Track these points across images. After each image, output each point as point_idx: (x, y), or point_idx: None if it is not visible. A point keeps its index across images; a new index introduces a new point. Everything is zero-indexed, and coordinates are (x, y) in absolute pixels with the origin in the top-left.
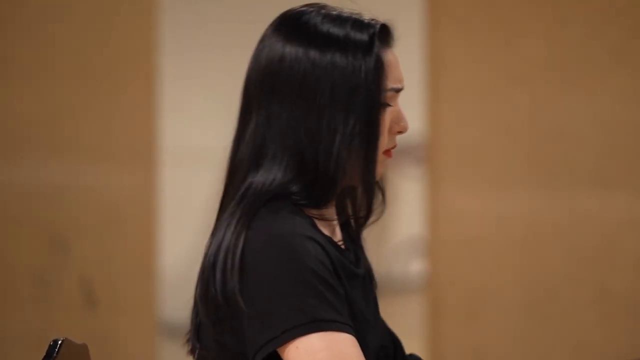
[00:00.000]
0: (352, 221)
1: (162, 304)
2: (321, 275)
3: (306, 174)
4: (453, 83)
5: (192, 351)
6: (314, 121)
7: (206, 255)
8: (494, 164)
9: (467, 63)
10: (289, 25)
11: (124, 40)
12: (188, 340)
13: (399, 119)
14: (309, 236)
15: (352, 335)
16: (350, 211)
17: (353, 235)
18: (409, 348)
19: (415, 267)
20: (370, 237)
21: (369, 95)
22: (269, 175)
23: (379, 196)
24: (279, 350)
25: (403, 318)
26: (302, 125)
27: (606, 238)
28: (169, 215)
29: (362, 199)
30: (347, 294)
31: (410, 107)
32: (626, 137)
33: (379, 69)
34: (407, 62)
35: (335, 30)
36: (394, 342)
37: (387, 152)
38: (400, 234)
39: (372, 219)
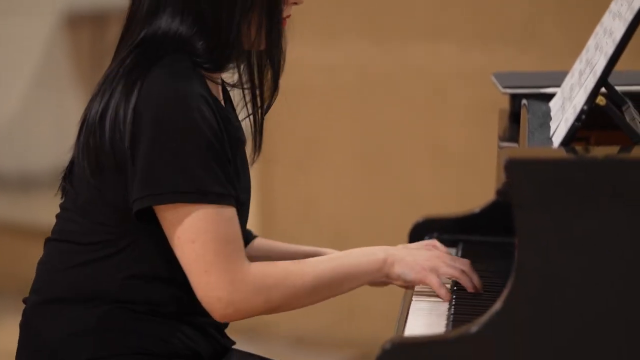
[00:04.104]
0: (256, 91)
1: None
2: (212, 144)
3: (207, 34)
4: None
5: (62, 190)
6: None
7: (89, 110)
8: (325, 13)
9: None
10: None
11: None
12: (62, 180)
13: None
14: (205, 98)
15: (234, 208)
16: (254, 78)
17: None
18: None
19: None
20: None
21: None
22: (171, 26)
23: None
24: (159, 212)
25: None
26: None
27: (437, 89)
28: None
29: (268, 64)
30: (233, 162)
31: None
32: None
33: None
34: None
35: None
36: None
37: (283, 21)
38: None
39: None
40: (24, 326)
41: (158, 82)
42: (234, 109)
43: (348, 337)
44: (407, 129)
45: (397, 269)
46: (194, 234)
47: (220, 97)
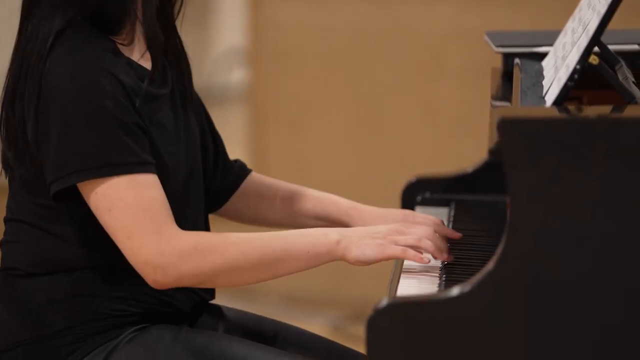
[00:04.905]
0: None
1: None
2: (117, 115)
3: (91, 3)
4: None
5: (5, 172)
6: None
7: (7, 79)
8: None
9: None
10: None
11: None
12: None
13: None
14: (104, 68)
15: (152, 173)
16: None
17: (168, 46)
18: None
19: (238, 77)
20: (191, 48)
21: None
22: (50, 16)
23: None
24: (79, 187)
25: (226, 128)
26: None
27: (431, 50)
28: None
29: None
30: (151, 120)
31: None
32: None
33: None
34: None
35: None
36: (216, 149)
37: None
38: (222, 45)
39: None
40: (1, 299)
41: (57, 63)
42: (170, 61)
43: (340, 296)
44: (401, 89)
45: (355, 252)
46: (109, 202)
47: (138, 55)
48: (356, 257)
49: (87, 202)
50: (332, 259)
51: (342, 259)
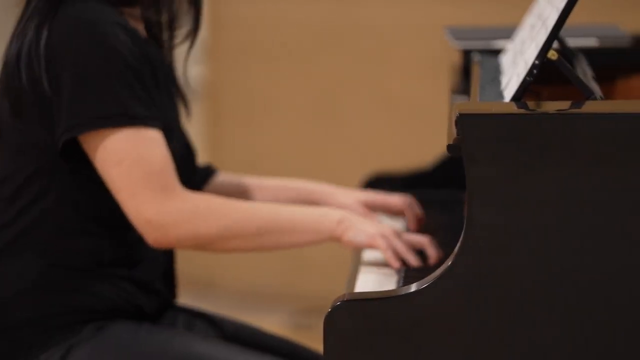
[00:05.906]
0: (164, 24)
1: None
2: (132, 66)
3: None
4: None
5: None
6: None
7: (8, 51)
8: None
9: None
10: None
11: None
12: None
13: None
14: (118, 23)
15: (159, 130)
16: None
17: (160, 37)
18: None
19: (196, 72)
20: None
21: None
22: None
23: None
24: (85, 143)
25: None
26: None
27: (391, 45)
28: None
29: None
30: (155, 87)
31: None
32: None
33: None
34: None
35: None
36: (191, 153)
37: None
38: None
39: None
40: None
41: (68, 16)
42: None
43: (297, 291)
44: (361, 85)
45: (350, 234)
46: (118, 156)
47: (143, 33)
48: (350, 240)
49: (94, 158)
50: (330, 237)
51: (338, 239)
